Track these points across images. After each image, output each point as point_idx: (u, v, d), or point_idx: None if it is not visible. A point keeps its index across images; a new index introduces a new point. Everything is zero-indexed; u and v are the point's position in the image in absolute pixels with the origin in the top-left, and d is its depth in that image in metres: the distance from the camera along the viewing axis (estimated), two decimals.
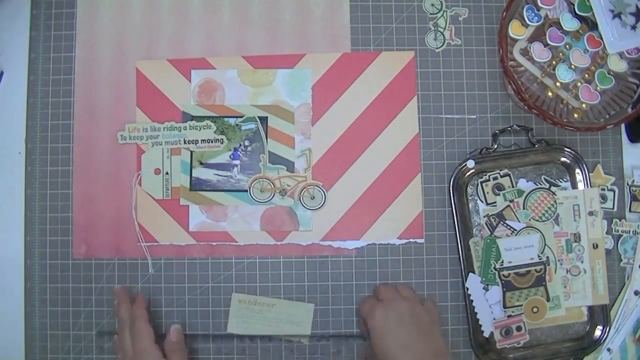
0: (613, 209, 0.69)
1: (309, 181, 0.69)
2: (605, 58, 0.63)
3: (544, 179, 0.69)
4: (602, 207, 0.68)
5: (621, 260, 0.69)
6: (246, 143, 0.70)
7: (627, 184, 0.70)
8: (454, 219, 0.68)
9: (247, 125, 0.70)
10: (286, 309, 0.68)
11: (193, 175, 0.69)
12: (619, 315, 0.68)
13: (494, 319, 0.66)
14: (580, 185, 0.68)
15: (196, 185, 0.69)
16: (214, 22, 0.71)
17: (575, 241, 0.67)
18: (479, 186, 0.68)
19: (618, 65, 0.63)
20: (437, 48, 0.71)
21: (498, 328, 0.66)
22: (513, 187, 0.68)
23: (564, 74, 0.63)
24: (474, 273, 0.67)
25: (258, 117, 0.70)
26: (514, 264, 0.67)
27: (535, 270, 0.67)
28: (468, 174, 0.68)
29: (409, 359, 0.58)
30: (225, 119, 0.70)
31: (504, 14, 0.64)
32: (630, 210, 0.69)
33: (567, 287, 0.67)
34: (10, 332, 0.68)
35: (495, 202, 0.68)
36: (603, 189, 0.69)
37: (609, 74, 0.63)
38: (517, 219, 0.68)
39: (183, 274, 0.69)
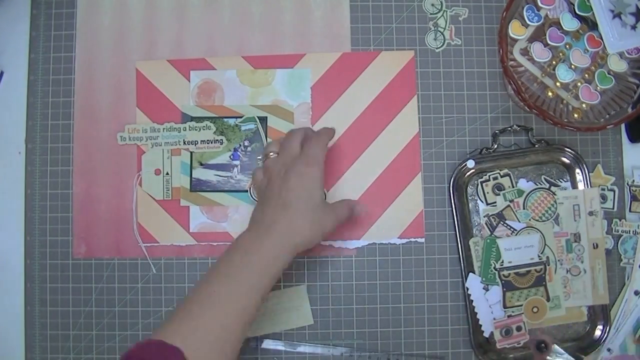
0: (613, 209, 0.69)
1: None
2: (605, 58, 0.63)
3: (544, 179, 0.69)
4: (602, 207, 0.68)
5: (621, 260, 0.69)
6: (246, 143, 0.70)
7: (627, 184, 0.70)
8: (454, 219, 0.68)
9: (246, 126, 0.70)
10: (280, 297, 0.68)
11: (193, 176, 0.69)
12: (619, 315, 0.68)
13: (494, 319, 0.66)
14: (580, 185, 0.68)
15: (196, 186, 0.69)
16: (214, 22, 0.71)
17: (575, 241, 0.67)
18: (479, 186, 0.68)
19: (618, 65, 0.63)
20: (437, 48, 0.71)
21: (498, 328, 0.66)
22: (513, 187, 0.68)
23: (564, 74, 0.63)
24: (474, 273, 0.67)
25: (257, 117, 0.70)
26: (514, 264, 0.67)
27: (535, 270, 0.67)
28: (468, 174, 0.68)
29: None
30: (225, 120, 0.70)
31: (504, 14, 0.64)
32: (630, 210, 0.69)
33: (567, 287, 0.67)
34: (10, 332, 0.68)
35: (495, 202, 0.68)
36: (603, 189, 0.69)
37: (609, 74, 0.63)
38: (517, 219, 0.68)
39: (183, 274, 0.69)
